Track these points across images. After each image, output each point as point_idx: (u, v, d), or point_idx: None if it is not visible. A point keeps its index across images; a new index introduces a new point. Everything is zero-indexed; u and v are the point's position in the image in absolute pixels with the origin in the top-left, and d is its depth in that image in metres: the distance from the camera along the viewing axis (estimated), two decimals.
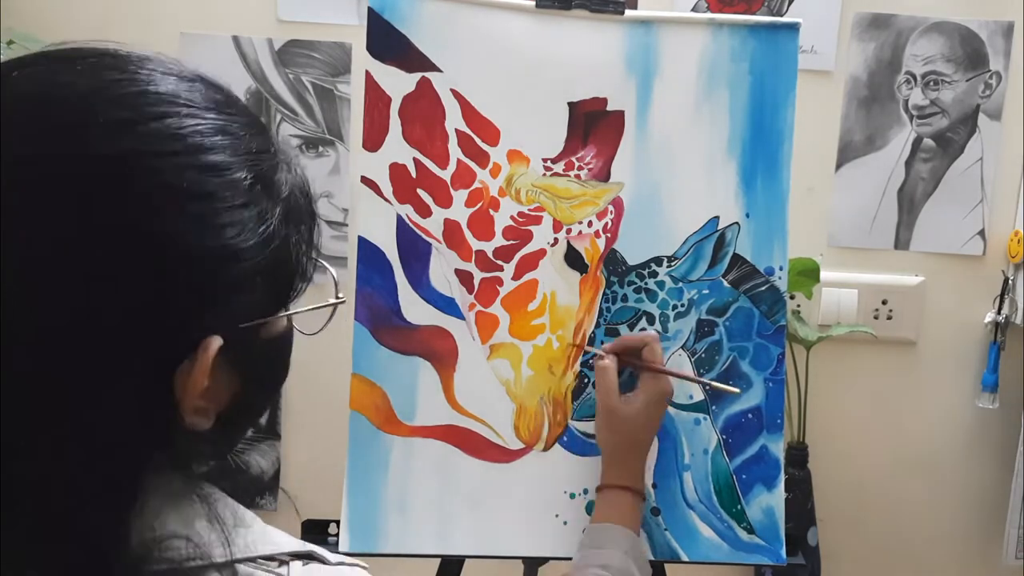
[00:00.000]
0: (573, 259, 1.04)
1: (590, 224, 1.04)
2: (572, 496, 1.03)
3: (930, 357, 1.63)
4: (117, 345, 0.46)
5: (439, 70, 1.02)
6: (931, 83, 1.56)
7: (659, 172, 1.05)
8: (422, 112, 1.02)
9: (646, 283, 1.05)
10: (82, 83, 0.48)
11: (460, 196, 1.03)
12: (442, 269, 1.03)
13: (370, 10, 1.01)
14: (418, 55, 1.02)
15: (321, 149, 1.57)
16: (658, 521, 1.04)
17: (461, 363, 1.03)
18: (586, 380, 1.04)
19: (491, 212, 1.03)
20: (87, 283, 0.46)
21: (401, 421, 1.02)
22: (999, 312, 1.59)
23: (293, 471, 1.61)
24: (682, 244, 1.05)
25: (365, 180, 1.02)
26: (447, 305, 1.03)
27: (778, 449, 1.05)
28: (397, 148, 1.02)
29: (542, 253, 1.04)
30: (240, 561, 0.52)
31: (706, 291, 1.05)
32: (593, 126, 1.04)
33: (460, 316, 1.03)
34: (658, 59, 1.04)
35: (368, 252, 1.02)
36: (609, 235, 1.04)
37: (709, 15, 1.07)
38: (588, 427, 1.04)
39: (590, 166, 1.04)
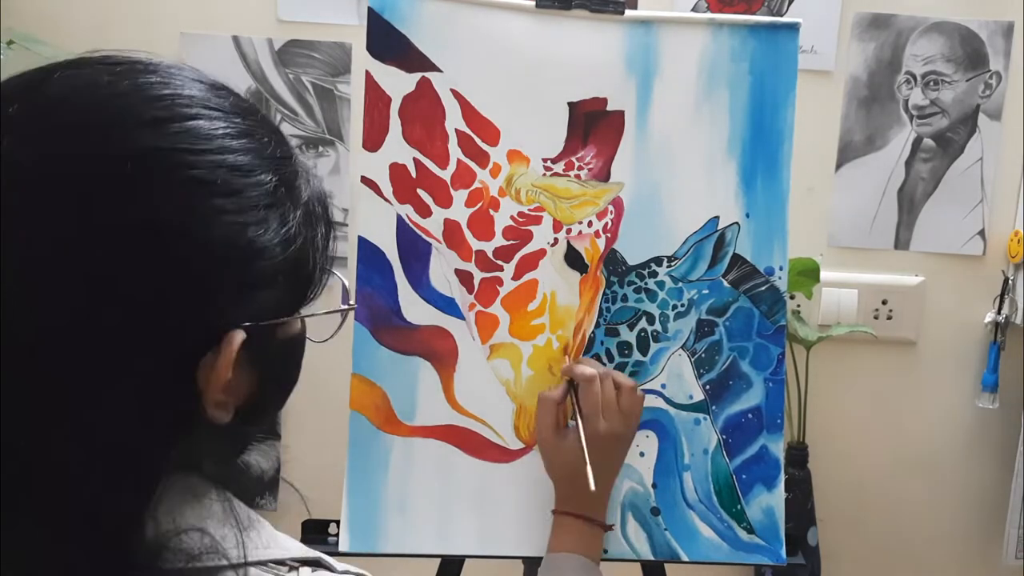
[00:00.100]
0: (573, 259, 1.04)
1: (590, 224, 1.04)
2: None
3: (930, 357, 1.63)
4: (152, 331, 0.48)
5: (439, 70, 1.02)
6: (931, 83, 1.56)
7: (659, 172, 1.04)
8: (422, 112, 1.02)
9: (646, 283, 1.05)
10: (122, 84, 0.51)
11: (460, 196, 1.03)
12: (442, 269, 1.03)
13: (370, 10, 1.01)
14: (418, 55, 1.02)
15: (321, 149, 1.57)
16: (658, 521, 1.04)
17: (461, 363, 1.03)
18: None
19: (491, 212, 1.03)
20: (123, 275, 0.47)
21: (401, 421, 1.02)
22: (999, 312, 1.59)
23: (293, 471, 1.61)
24: (682, 244, 1.05)
25: (365, 180, 1.02)
26: (447, 305, 1.03)
27: (778, 449, 1.06)
28: (397, 148, 1.02)
29: (542, 253, 1.04)
30: (253, 564, 0.52)
31: (706, 291, 1.05)
32: (593, 126, 1.04)
33: (460, 316, 1.03)
34: (658, 59, 1.04)
35: (368, 252, 1.02)
36: (609, 235, 1.04)
37: (709, 15, 1.07)
38: None
39: (590, 166, 1.04)
